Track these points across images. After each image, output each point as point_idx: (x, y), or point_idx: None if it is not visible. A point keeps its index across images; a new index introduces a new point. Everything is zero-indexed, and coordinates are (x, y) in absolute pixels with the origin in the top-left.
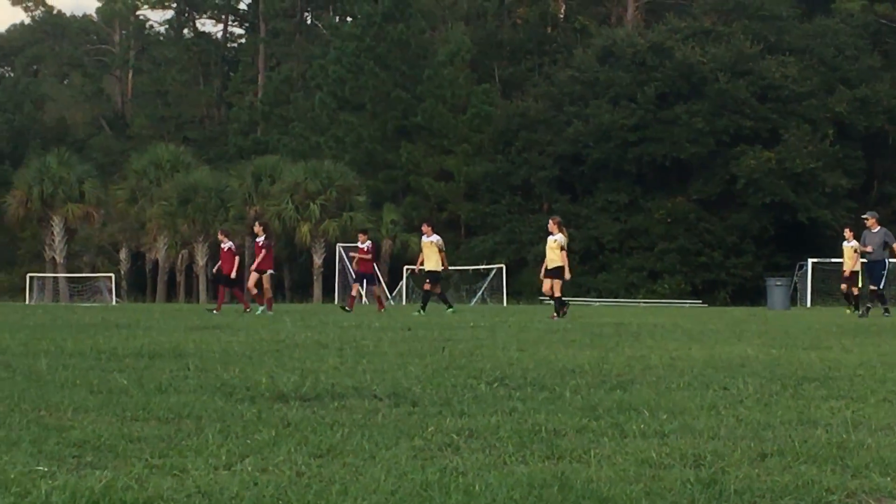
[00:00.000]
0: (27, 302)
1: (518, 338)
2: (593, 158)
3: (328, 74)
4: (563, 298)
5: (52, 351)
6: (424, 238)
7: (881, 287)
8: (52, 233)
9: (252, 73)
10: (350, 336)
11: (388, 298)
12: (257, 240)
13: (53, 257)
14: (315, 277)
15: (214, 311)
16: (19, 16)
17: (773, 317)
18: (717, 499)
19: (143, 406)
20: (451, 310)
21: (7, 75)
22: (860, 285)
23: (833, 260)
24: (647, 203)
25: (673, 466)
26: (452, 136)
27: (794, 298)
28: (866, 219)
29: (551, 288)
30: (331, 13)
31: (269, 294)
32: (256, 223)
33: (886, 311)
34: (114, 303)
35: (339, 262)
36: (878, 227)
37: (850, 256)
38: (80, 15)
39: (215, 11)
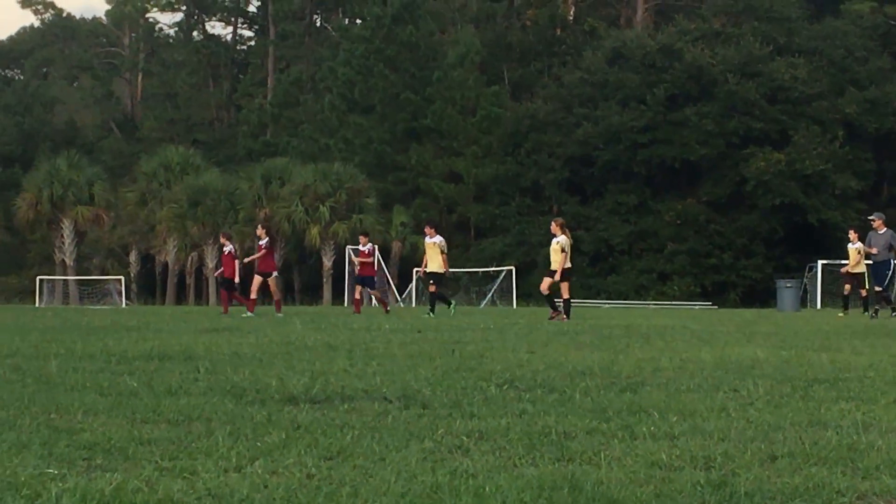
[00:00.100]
0: (37, 304)
1: (528, 340)
2: (603, 160)
3: (337, 77)
4: (556, 301)
5: (62, 353)
6: (427, 239)
7: (886, 288)
8: (62, 235)
9: (261, 75)
10: (360, 338)
11: (397, 300)
12: (259, 242)
13: (63, 260)
14: (325, 279)
15: (224, 313)
16: (29, 19)
17: (783, 318)
18: (727, 501)
19: (154, 408)
20: (451, 307)
21: (17, 78)
22: (867, 287)
23: (843, 262)
24: (656, 205)
25: (683, 468)
26: (462, 138)
27: (804, 300)
28: (873, 220)
29: (549, 287)
30: (340, 15)
31: (277, 296)
32: (259, 226)
33: (894, 311)
34: (123, 305)
35: (348, 264)
36: (885, 229)
37: (854, 258)
38: (90, 18)
39: (225, 14)
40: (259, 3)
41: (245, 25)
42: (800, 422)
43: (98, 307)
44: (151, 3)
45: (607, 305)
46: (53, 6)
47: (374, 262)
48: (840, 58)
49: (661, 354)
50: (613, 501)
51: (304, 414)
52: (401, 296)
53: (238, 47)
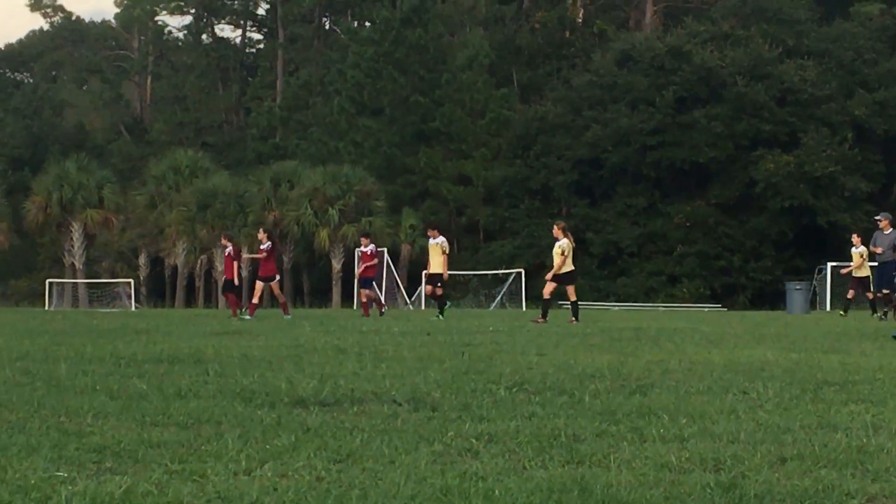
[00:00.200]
0: (46, 308)
1: (537, 342)
2: (612, 163)
3: (347, 79)
4: (550, 302)
5: (71, 357)
6: (431, 241)
7: (891, 290)
8: (72, 238)
9: (271, 78)
10: (369, 341)
11: (406, 303)
12: (261, 246)
13: (73, 263)
14: (334, 282)
15: (231, 317)
16: (38, 22)
17: (793, 321)
18: (736, 503)
19: (163, 411)
20: (442, 312)
21: (26, 81)
22: (872, 289)
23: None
24: (666, 207)
25: (692, 471)
26: (471, 141)
27: (814, 302)
28: (879, 220)
29: (551, 293)
30: (349, 18)
31: (282, 299)
32: (260, 230)
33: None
34: (133, 308)
35: (357, 266)
36: (891, 229)
37: (857, 262)
38: (99, 21)
39: (234, 17)
40: (268, 6)
41: (254, 28)
42: (809, 424)
43: (107, 310)
44: (160, 6)
45: (616, 308)
46: (63, 9)
47: (375, 264)
48: (849, 60)
49: (671, 357)
50: None
51: (314, 417)
52: (410, 298)
53: (247, 50)
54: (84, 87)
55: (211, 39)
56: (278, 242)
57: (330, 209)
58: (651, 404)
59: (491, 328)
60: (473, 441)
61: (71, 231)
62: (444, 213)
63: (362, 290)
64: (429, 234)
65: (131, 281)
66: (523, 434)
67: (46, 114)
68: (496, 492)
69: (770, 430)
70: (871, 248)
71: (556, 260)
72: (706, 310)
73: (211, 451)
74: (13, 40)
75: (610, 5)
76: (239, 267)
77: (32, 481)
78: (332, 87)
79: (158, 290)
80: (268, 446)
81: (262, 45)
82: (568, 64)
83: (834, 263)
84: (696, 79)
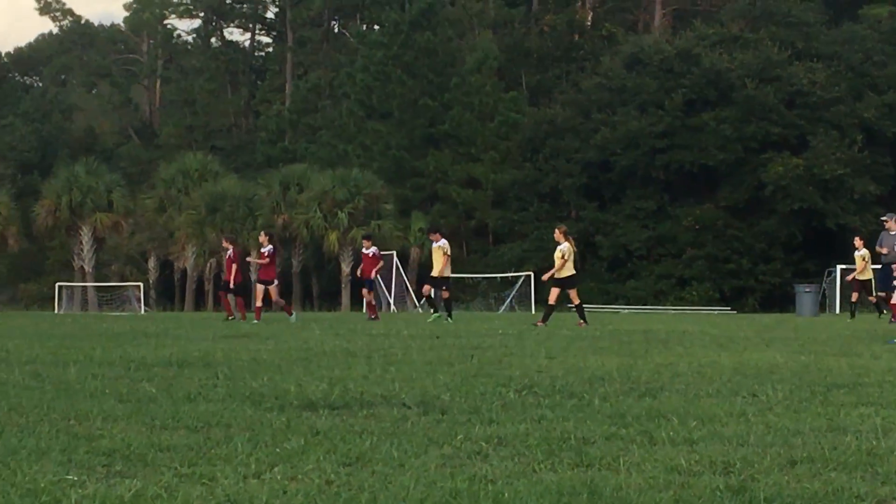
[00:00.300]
0: (56, 311)
1: (546, 345)
2: (621, 165)
3: (356, 83)
4: (553, 308)
5: (81, 360)
6: (433, 244)
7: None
8: (81, 242)
9: (279, 81)
10: (378, 344)
11: (415, 306)
12: (262, 249)
13: (82, 266)
14: (343, 285)
15: (242, 320)
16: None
17: (802, 323)
18: None
19: (172, 415)
20: (433, 317)
21: (35, 85)
22: (874, 292)
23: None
24: (675, 210)
25: (702, 474)
26: (480, 144)
27: (823, 305)
28: (885, 220)
29: (556, 299)
30: (358, 21)
31: (281, 303)
32: (262, 233)
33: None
34: (142, 312)
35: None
36: None
37: (860, 265)
38: (108, 24)
39: (243, 20)
40: (277, 10)
41: (263, 32)
42: (819, 427)
43: (117, 314)
44: (170, 9)
45: (626, 311)
46: (72, 13)
47: (376, 266)
48: (858, 62)
49: (680, 359)
50: None
51: (323, 420)
52: (419, 301)
53: (256, 53)
54: (93, 91)
55: (220, 43)
56: (280, 245)
57: (339, 212)
58: (660, 407)
59: (500, 331)
60: (483, 444)
61: (80, 235)
62: (452, 217)
63: (363, 290)
64: (430, 237)
65: (140, 284)
66: (533, 437)
67: (56, 118)
68: (505, 495)
69: (780, 433)
70: (877, 248)
71: (557, 264)
72: (715, 312)
73: (220, 454)
74: (22, 44)
75: (619, 8)
76: (240, 270)
77: (42, 485)
78: (341, 91)
79: (168, 293)
80: (277, 449)
81: (271, 49)
82: (577, 67)
83: (843, 266)
84: (705, 81)
